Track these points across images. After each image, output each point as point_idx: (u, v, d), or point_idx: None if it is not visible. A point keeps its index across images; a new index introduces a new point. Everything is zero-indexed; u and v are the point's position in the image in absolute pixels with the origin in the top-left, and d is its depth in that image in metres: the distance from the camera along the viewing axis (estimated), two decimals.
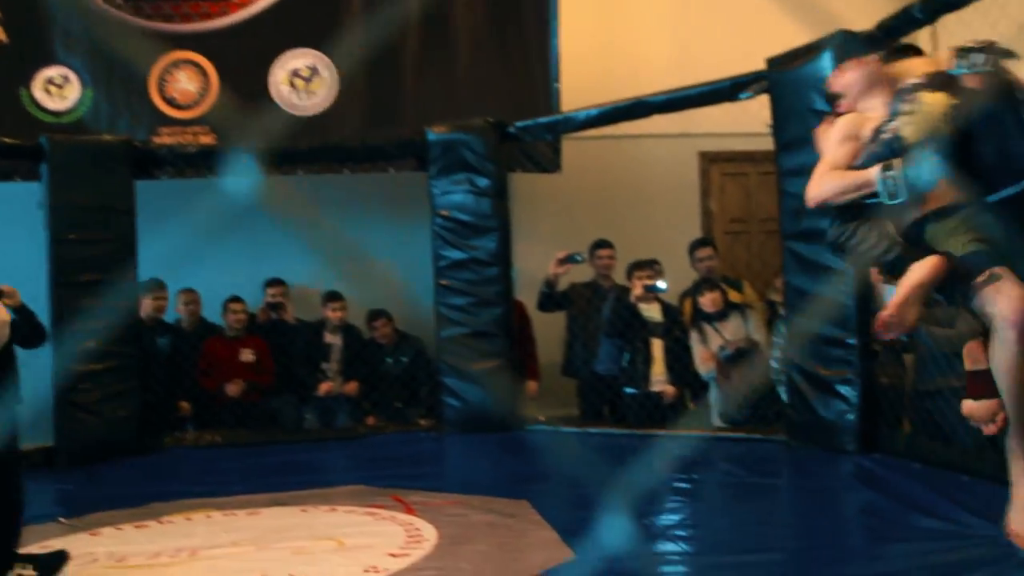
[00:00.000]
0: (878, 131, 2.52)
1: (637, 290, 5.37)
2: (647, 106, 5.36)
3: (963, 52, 2.44)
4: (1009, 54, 2.43)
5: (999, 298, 2.20)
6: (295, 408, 5.95)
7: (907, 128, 2.43)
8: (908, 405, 4.35)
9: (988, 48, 2.44)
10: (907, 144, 2.41)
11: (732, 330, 5.19)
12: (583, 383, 5.73)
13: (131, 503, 3.83)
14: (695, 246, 5.71)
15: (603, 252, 5.71)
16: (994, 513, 3.03)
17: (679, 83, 5.22)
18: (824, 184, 2.64)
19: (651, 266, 5.53)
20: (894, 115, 2.49)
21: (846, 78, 2.79)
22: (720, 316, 5.22)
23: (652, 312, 5.46)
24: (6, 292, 5.10)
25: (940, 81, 2.47)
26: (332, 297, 6.01)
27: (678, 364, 5.30)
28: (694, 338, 5.31)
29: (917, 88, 2.49)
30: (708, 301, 5.23)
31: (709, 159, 6.81)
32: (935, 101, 2.43)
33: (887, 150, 2.46)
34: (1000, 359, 2.23)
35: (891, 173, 2.41)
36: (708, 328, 5.23)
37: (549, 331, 6.05)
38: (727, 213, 6.92)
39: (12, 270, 5.39)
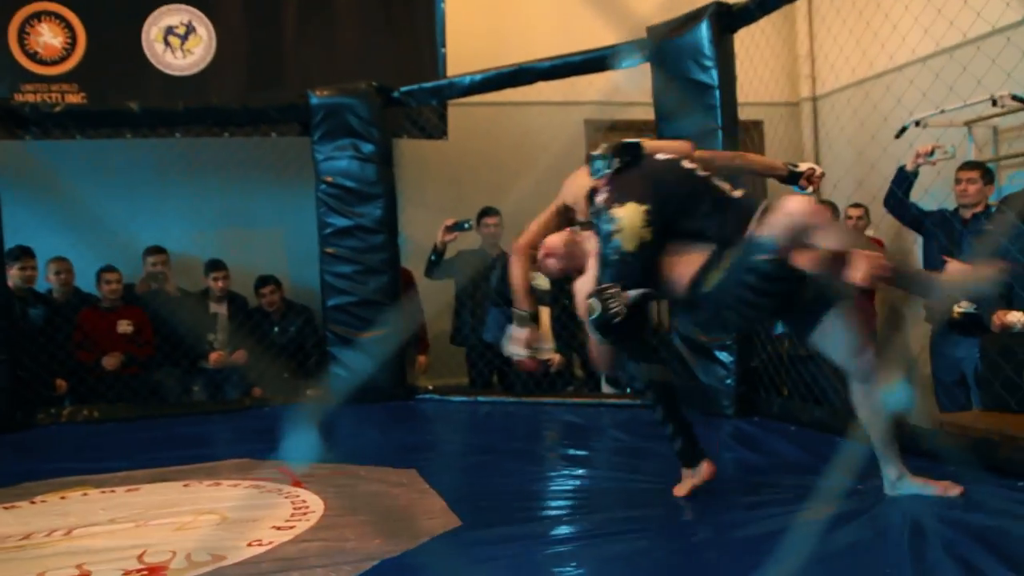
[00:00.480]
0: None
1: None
2: (531, 72, 5.36)
3: (592, 159, 2.80)
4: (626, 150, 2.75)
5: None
6: (178, 380, 5.78)
7: (627, 243, 2.64)
8: (784, 370, 4.54)
9: (613, 151, 2.77)
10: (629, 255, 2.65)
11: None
12: (471, 351, 5.76)
13: (0, 483, 3.66)
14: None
15: (489, 220, 5.72)
16: (864, 470, 3.22)
17: (566, 51, 5.25)
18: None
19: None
20: (607, 236, 2.69)
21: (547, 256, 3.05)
22: None
23: (540, 280, 5.50)
24: None
25: (614, 192, 2.71)
26: (214, 266, 5.86)
27: (565, 332, 5.38)
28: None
29: (608, 207, 2.69)
30: None
31: (594, 127, 6.88)
32: (629, 213, 2.64)
33: (617, 270, 2.67)
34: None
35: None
36: None
37: (439, 299, 6.06)
38: None
39: None
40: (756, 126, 6.84)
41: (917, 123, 5.18)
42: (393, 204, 5.61)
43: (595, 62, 5.10)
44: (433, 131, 6.19)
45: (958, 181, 4.58)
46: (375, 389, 5.40)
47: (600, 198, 2.75)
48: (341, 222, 5.52)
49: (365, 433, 4.31)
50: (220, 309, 5.89)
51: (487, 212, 5.74)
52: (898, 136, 5.13)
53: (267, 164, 6.10)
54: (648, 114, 4.88)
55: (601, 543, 2.51)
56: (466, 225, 5.43)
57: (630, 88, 5.80)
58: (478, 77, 5.51)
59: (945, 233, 4.51)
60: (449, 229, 5.41)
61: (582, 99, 6.39)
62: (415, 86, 5.65)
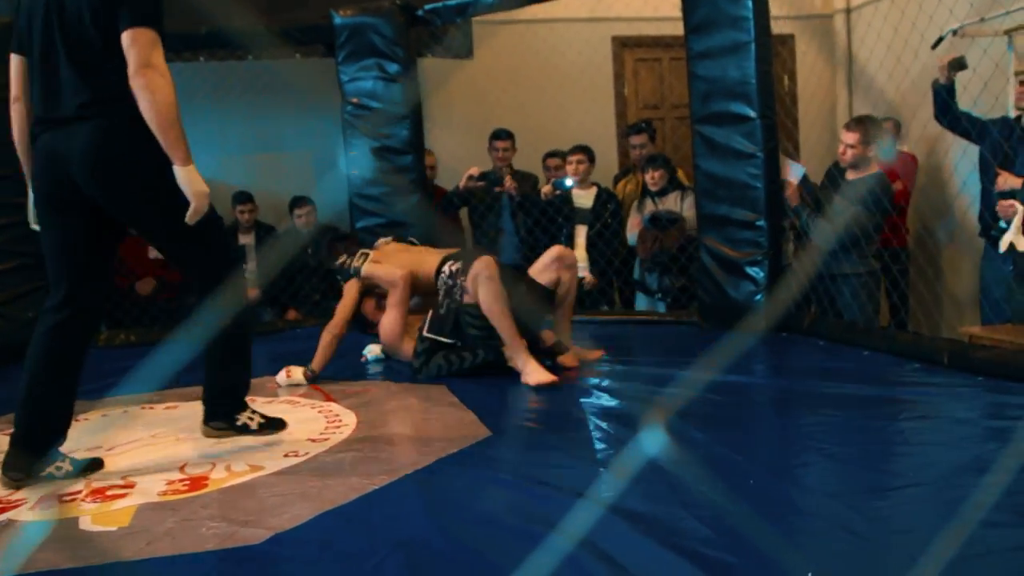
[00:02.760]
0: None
1: (546, 188, 5.41)
2: None
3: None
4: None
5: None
6: None
7: None
8: (813, 288, 4.53)
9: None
10: None
11: (670, 206, 5.27)
12: None
13: None
14: (630, 132, 5.78)
15: (500, 144, 5.67)
16: (891, 378, 3.25)
17: None
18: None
19: (566, 155, 5.54)
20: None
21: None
22: (661, 193, 5.30)
23: (584, 200, 5.49)
24: None
25: None
26: (240, 199, 5.86)
27: (599, 252, 5.38)
28: (632, 209, 5.42)
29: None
30: (652, 178, 5.31)
31: (621, 43, 6.77)
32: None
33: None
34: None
35: None
36: (649, 202, 5.32)
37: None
38: (640, 99, 6.93)
39: None
40: (785, 41, 6.69)
41: (955, 32, 5.04)
42: (419, 124, 5.58)
43: None
44: (459, 50, 6.11)
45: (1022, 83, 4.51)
46: None
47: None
48: (368, 143, 5.50)
49: None
50: (248, 240, 5.92)
51: (497, 135, 5.69)
52: (935, 47, 4.99)
53: (293, 87, 6.07)
54: (677, 29, 4.78)
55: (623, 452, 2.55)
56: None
57: (658, 2, 5.69)
58: None
59: (1004, 141, 4.43)
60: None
61: (609, 15, 6.26)
62: (439, 3, 5.56)
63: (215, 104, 6.02)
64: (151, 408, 3.59)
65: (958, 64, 4.41)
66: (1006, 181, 4.16)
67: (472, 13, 5.66)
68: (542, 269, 3.98)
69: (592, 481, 2.25)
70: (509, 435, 2.79)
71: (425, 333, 3.88)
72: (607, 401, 3.24)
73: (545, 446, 2.66)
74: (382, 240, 4.54)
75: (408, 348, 4.06)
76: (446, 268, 3.89)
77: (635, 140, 5.69)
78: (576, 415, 3.04)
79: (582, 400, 3.26)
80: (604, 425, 2.84)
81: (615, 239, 5.43)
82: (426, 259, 4.12)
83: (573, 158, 5.45)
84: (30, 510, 2.36)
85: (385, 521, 2.09)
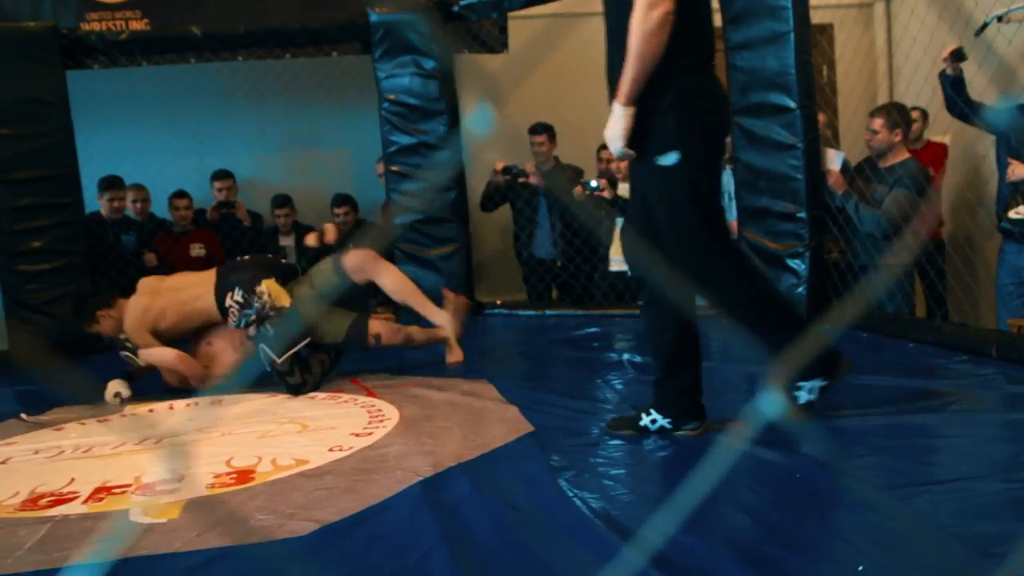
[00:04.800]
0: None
1: (577, 189, 5.41)
2: None
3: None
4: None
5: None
6: None
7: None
8: (852, 279, 4.47)
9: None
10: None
11: None
12: (525, 267, 5.82)
13: (92, 399, 3.84)
14: None
15: (537, 138, 5.67)
16: (938, 371, 3.21)
17: None
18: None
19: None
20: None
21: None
22: None
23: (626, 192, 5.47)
24: None
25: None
26: (279, 203, 5.92)
27: None
28: None
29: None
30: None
31: None
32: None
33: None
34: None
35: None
36: None
37: (499, 217, 6.09)
38: None
39: None
40: (825, 31, 6.61)
41: (1000, 18, 4.93)
42: (456, 120, 5.59)
43: None
44: (494, 45, 6.10)
45: None
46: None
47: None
48: (405, 140, 5.53)
49: (435, 347, 4.35)
50: (288, 241, 5.97)
51: (535, 130, 5.68)
52: (978, 34, 4.89)
53: (329, 84, 6.10)
54: (714, 19, 4.73)
55: (671, 444, 2.54)
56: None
57: None
58: None
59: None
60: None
61: None
62: None
63: (253, 103, 6.08)
64: (195, 403, 3.63)
65: (958, 55, 4.35)
66: (1014, 172, 4.09)
67: (508, 8, 5.66)
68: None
69: (642, 480, 2.25)
70: (553, 430, 2.78)
71: (278, 359, 3.62)
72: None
73: (590, 442, 2.65)
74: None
75: (208, 372, 3.88)
76: (231, 302, 3.71)
77: None
78: (623, 410, 3.03)
79: (629, 393, 3.25)
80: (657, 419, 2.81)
81: None
82: (185, 297, 3.84)
83: (604, 155, 5.44)
84: (83, 504, 2.40)
85: (430, 515, 2.09)
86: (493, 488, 2.25)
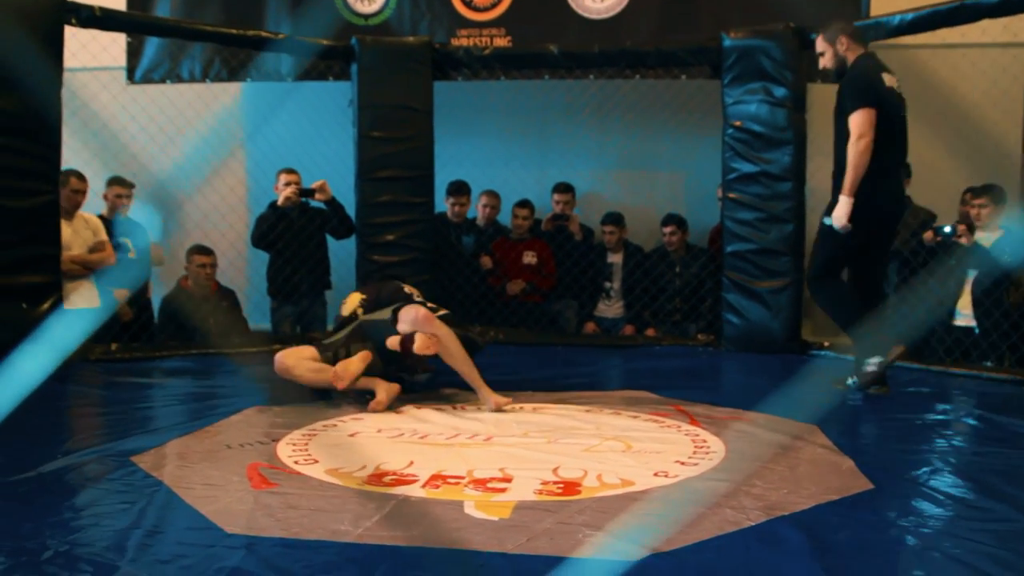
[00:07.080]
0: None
1: (927, 234, 5.00)
2: (974, 9, 4.81)
3: None
4: None
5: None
6: (575, 313, 6.09)
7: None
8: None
9: None
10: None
11: None
12: None
13: (426, 387, 4.11)
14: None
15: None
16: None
17: None
18: None
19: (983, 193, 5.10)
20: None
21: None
22: None
23: (984, 241, 5.03)
24: (317, 188, 5.55)
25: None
26: (608, 220, 6.02)
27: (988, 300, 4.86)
28: None
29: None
30: None
31: None
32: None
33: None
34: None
35: None
36: None
37: None
38: None
39: (324, 164, 5.85)
40: None
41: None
42: (802, 151, 5.38)
43: None
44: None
45: None
46: (768, 340, 5.27)
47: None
48: (747, 167, 5.40)
49: (757, 382, 4.21)
50: (616, 259, 6.06)
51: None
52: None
53: (674, 107, 6.11)
54: None
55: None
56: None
57: None
58: (908, 16, 5.08)
59: None
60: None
61: None
62: None
63: (596, 120, 6.23)
64: (520, 408, 3.75)
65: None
66: None
67: (872, 38, 5.30)
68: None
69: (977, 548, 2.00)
70: (894, 491, 2.56)
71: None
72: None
73: (935, 502, 2.41)
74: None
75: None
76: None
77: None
78: (969, 472, 2.73)
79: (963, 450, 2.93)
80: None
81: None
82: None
83: (976, 202, 5.00)
84: (421, 487, 2.55)
85: (763, 560, 1.99)
86: (833, 543, 2.11)
